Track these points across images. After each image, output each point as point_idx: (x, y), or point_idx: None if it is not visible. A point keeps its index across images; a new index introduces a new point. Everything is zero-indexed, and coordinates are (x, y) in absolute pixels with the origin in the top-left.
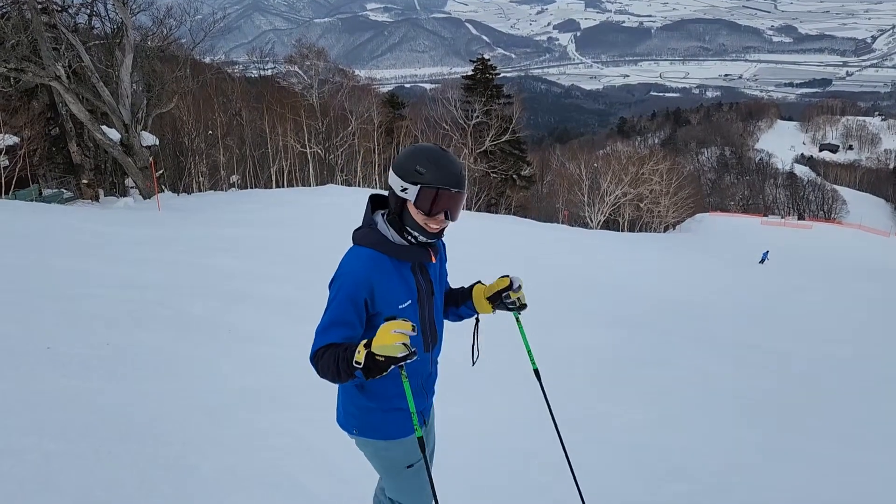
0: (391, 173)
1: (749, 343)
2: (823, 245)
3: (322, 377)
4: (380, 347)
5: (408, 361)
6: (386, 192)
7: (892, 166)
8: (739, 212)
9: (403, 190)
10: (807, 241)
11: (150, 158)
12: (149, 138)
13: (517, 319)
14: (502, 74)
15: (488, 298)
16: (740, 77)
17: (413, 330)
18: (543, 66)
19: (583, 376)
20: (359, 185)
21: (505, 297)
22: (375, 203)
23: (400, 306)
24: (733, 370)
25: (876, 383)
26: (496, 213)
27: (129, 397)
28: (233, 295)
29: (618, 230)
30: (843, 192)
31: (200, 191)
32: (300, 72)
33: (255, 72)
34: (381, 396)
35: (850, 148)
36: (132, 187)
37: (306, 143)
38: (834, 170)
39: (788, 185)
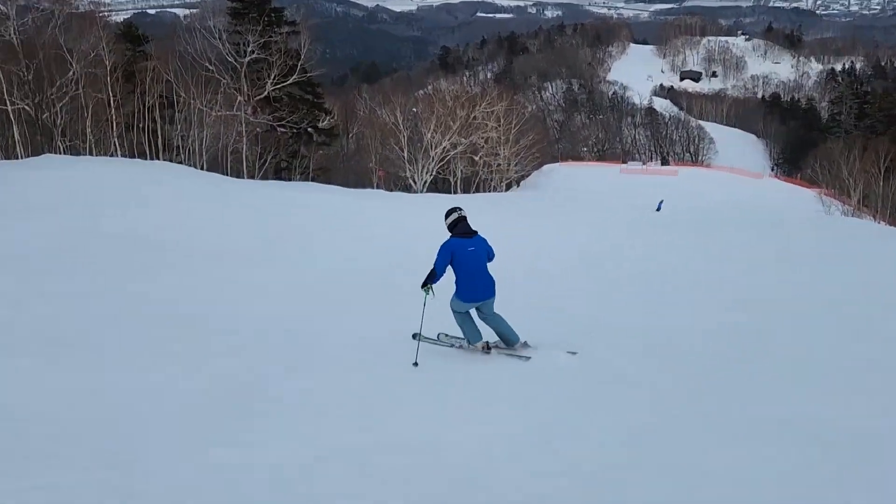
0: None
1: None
2: (691, 193)
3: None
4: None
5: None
6: None
7: (760, 95)
8: (594, 160)
9: None
10: (674, 190)
11: None
12: None
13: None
14: None
15: None
16: None
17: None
18: None
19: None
20: (91, 153)
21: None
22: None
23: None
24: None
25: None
26: (289, 179)
27: None
28: None
29: (449, 192)
30: (710, 128)
31: None
32: None
33: None
34: None
35: (714, 75)
36: None
37: (6, 97)
38: (698, 102)
39: (648, 124)
